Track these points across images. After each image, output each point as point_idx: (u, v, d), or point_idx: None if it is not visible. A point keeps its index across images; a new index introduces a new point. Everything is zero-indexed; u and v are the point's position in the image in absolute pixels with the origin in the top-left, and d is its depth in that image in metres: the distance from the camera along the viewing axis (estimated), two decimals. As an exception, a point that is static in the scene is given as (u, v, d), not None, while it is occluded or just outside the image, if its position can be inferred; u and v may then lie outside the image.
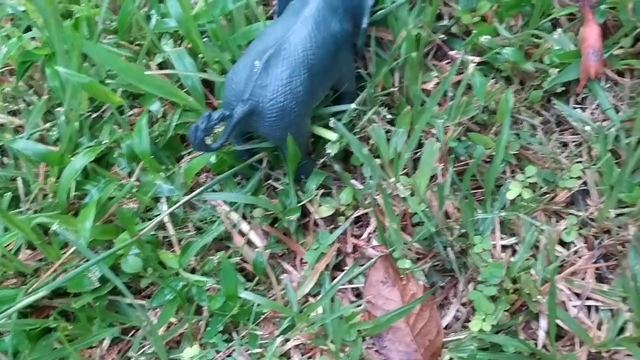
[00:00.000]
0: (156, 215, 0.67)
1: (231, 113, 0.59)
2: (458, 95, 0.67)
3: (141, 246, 0.63)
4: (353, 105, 0.67)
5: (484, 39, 0.68)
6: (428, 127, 0.68)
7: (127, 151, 0.70)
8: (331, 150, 0.65)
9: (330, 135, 0.65)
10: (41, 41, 0.79)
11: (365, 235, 0.67)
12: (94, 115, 0.74)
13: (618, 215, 0.63)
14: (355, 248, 0.66)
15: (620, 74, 0.70)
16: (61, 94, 0.74)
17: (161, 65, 0.74)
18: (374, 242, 0.66)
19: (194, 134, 0.57)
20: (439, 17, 0.74)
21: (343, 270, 0.65)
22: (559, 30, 0.69)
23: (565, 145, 0.69)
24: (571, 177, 0.64)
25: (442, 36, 0.72)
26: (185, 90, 0.71)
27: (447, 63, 0.74)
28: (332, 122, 0.64)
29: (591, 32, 0.66)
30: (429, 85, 0.71)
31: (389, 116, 0.70)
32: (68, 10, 0.80)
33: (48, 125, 0.74)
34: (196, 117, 0.70)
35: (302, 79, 0.60)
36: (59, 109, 0.71)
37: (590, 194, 0.65)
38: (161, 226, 0.67)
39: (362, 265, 0.63)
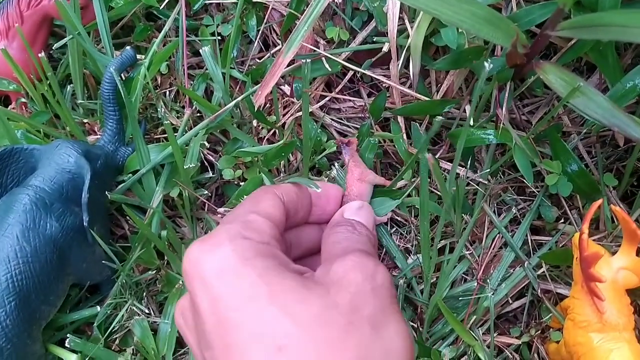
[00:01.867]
0: None
1: None
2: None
3: None
4: (98, 308, 0.55)
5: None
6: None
7: None
8: (70, 377, 0.53)
9: (68, 357, 0.53)
10: None
11: None
12: None
13: (420, 386, 0.55)
14: None
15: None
16: None
17: None
18: None
19: None
20: (204, 168, 0.64)
21: None
22: (337, 165, 0.62)
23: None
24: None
25: (206, 193, 0.62)
26: None
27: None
28: (68, 340, 0.53)
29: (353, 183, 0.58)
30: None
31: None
32: None
33: None
34: None
35: (9, 309, 0.48)
36: None
37: None
38: None
39: None
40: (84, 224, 0.52)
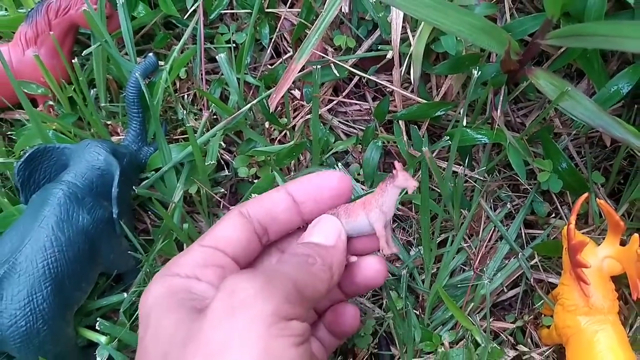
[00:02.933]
0: None
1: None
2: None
3: None
4: (124, 295, 0.60)
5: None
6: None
7: None
8: (101, 357, 0.57)
9: (99, 338, 0.57)
10: None
11: None
12: None
13: (422, 367, 0.60)
14: None
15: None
16: None
17: None
18: None
19: None
20: (220, 167, 0.69)
21: None
22: (340, 164, 0.67)
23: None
24: (363, 335, 0.61)
25: (222, 191, 0.67)
26: None
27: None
28: (98, 323, 0.57)
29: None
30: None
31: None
32: None
33: None
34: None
35: (46, 293, 0.53)
36: None
37: (395, 343, 0.62)
38: None
39: None
40: (114, 216, 0.57)
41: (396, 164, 0.42)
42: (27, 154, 0.58)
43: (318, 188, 0.42)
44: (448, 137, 0.60)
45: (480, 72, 0.52)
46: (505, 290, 0.64)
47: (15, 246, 0.53)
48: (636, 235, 0.50)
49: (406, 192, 0.65)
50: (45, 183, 0.59)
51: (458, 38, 0.60)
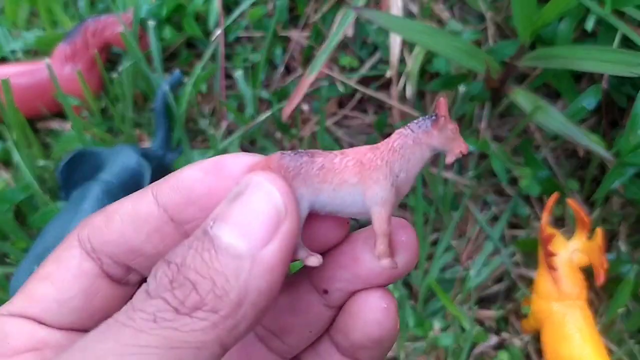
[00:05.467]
0: None
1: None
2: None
3: None
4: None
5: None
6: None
7: None
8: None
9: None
10: None
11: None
12: None
13: (414, 349, 0.67)
14: None
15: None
16: None
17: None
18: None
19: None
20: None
21: None
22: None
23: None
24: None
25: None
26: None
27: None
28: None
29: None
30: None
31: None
32: None
33: None
34: None
35: (86, 275, 0.60)
36: None
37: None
38: None
39: None
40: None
41: (441, 101, 0.24)
42: (68, 157, 0.66)
43: (203, 189, 0.23)
44: (438, 146, 0.68)
45: (465, 89, 0.60)
46: (490, 285, 0.71)
47: (58, 235, 0.61)
48: (599, 229, 0.57)
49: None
50: (84, 181, 0.67)
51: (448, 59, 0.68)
